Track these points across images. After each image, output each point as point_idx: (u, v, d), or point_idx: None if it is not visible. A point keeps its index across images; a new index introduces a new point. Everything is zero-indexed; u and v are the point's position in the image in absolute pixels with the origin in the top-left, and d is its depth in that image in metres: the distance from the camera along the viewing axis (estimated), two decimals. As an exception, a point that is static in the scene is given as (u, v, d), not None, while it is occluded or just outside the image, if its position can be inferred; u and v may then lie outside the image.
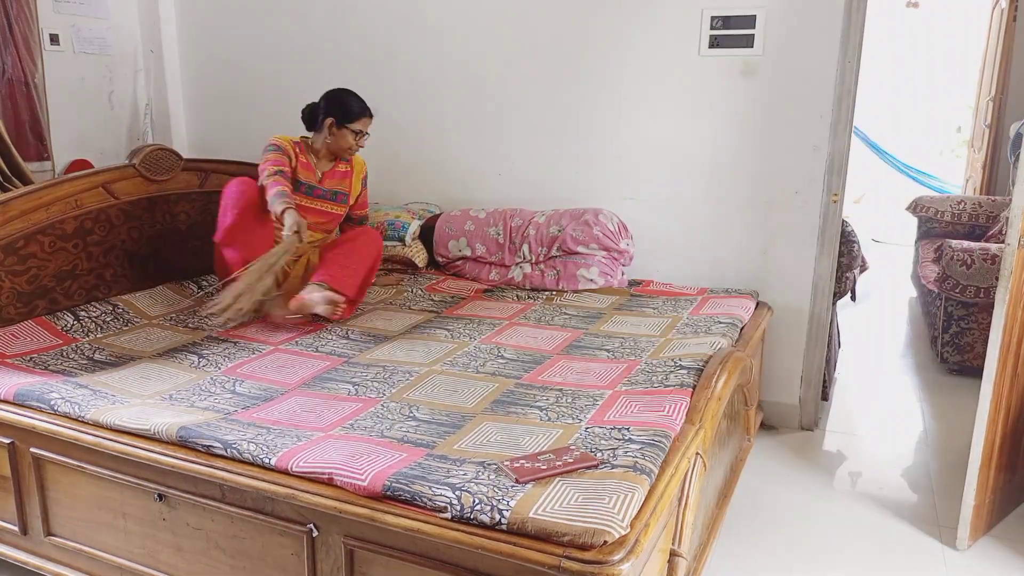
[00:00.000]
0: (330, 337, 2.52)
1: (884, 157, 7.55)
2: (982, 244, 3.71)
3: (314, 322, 2.61)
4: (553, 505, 1.43)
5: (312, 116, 2.79)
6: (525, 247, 3.21)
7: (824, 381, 3.18)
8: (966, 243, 3.69)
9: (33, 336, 2.40)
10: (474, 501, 1.44)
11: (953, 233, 4.70)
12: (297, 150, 2.76)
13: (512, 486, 1.49)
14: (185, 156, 3.17)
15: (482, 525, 1.42)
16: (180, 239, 3.07)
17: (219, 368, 2.24)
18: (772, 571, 2.25)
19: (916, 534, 2.43)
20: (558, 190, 3.35)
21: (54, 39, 3.52)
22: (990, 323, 2.20)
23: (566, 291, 3.09)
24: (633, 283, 3.18)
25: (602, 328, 2.63)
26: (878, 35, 7.21)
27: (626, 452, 1.63)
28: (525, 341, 2.48)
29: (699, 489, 1.78)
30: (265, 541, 1.69)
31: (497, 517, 1.41)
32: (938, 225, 4.84)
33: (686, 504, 1.72)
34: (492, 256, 3.26)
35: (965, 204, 4.77)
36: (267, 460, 1.64)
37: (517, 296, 3.06)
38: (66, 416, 1.90)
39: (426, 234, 3.40)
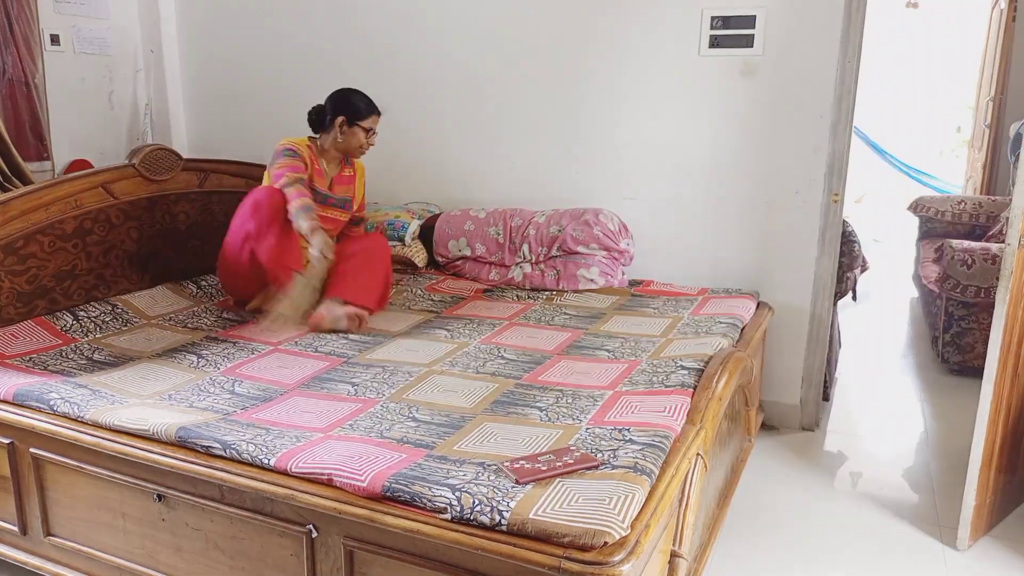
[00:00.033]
0: (330, 337, 2.52)
1: (884, 157, 7.55)
2: (983, 244, 3.71)
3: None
4: (553, 506, 1.42)
5: (320, 117, 2.76)
6: (525, 247, 3.21)
7: (825, 381, 3.18)
8: (967, 243, 3.69)
9: (33, 336, 2.40)
10: (474, 502, 1.44)
11: (954, 233, 4.70)
12: (312, 155, 2.74)
13: (512, 487, 1.49)
14: (185, 156, 3.17)
15: (482, 526, 1.41)
16: (180, 239, 3.06)
17: (218, 368, 2.23)
18: (773, 571, 2.25)
19: (916, 534, 2.42)
20: (558, 190, 3.34)
21: (54, 39, 3.52)
22: (991, 323, 2.19)
23: (566, 291, 3.09)
24: (633, 283, 3.18)
25: (602, 328, 2.63)
26: (878, 35, 7.21)
27: (627, 453, 1.63)
28: (525, 341, 2.48)
29: (700, 490, 1.78)
30: (264, 542, 1.68)
31: (497, 518, 1.40)
32: (939, 225, 4.84)
33: (687, 505, 1.72)
34: (492, 256, 3.26)
35: (965, 204, 4.77)
36: (266, 461, 1.63)
37: (517, 296, 3.06)
38: (65, 416, 1.90)
39: (426, 234, 3.40)
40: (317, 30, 3.65)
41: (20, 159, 3.23)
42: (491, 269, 3.27)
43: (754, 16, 2.90)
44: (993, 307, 2.18)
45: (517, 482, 1.51)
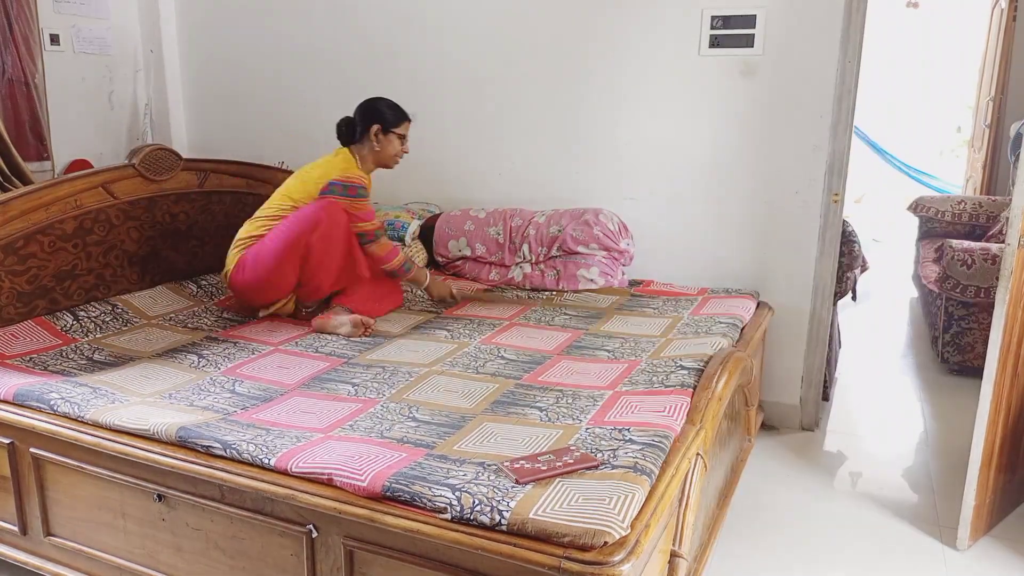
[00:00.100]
0: (330, 338, 2.52)
1: (884, 157, 7.55)
2: (983, 244, 3.71)
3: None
4: (553, 506, 1.42)
5: (350, 129, 2.73)
6: (525, 247, 3.21)
7: (825, 381, 3.18)
8: (967, 243, 3.69)
9: (33, 336, 2.40)
10: (474, 502, 1.44)
11: (953, 233, 4.70)
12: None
13: (512, 487, 1.49)
14: (185, 156, 3.17)
15: (482, 526, 1.41)
16: (180, 239, 3.06)
17: (219, 368, 2.23)
18: (773, 571, 2.25)
19: (916, 534, 2.42)
20: (558, 190, 3.34)
21: (54, 39, 3.52)
22: (990, 323, 2.19)
23: (566, 291, 3.09)
24: (633, 283, 3.18)
25: (602, 328, 2.63)
26: (878, 35, 7.21)
27: (626, 453, 1.63)
28: (525, 341, 2.48)
29: (700, 489, 1.78)
30: (265, 542, 1.69)
31: (497, 518, 1.40)
32: (939, 225, 4.84)
33: (687, 505, 1.72)
34: (492, 256, 3.26)
35: (965, 204, 4.77)
36: (266, 460, 1.64)
37: (517, 296, 3.06)
38: (66, 416, 1.90)
39: (426, 234, 3.40)
40: (317, 30, 3.65)
41: (20, 159, 3.23)
42: (491, 269, 3.27)
43: (754, 16, 2.90)
44: (993, 307, 2.18)
45: (517, 482, 1.51)
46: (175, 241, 3.05)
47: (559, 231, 3.15)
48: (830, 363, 3.26)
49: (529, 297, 3.04)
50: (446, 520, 1.44)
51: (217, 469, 1.66)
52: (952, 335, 3.70)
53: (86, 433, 1.84)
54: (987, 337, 2.21)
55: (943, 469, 2.84)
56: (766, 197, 3.03)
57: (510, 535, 1.39)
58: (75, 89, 3.65)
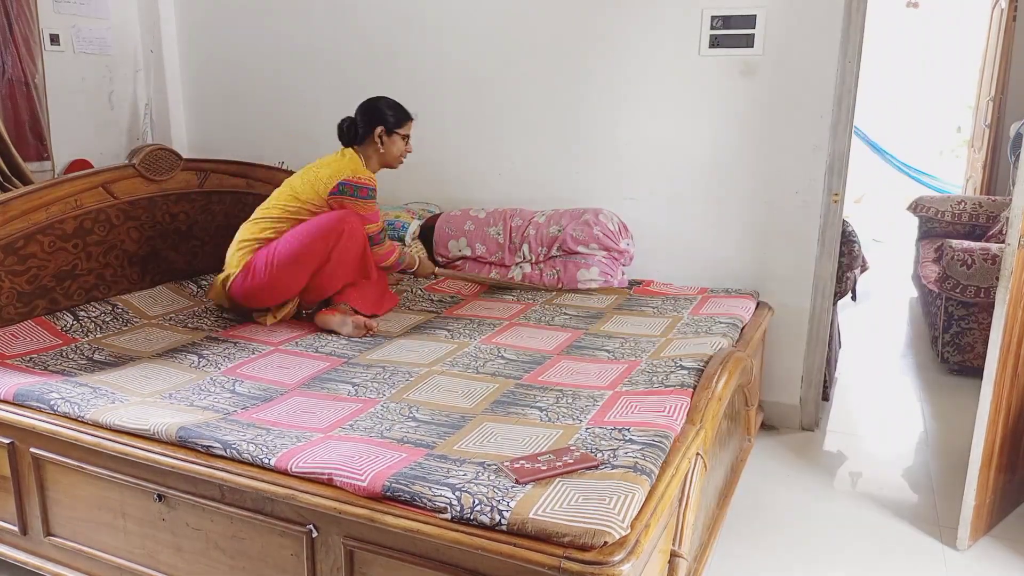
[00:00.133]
0: (330, 337, 2.52)
1: (884, 157, 7.55)
2: (982, 244, 3.71)
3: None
4: (553, 506, 1.42)
5: (352, 130, 2.72)
6: (525, 247, 3.21)
7: (824, 381, 3.18)
8: (966, 243, 3.69)
9: (33, 336, 2.40)
10: (474, 502, 1.44)
11: (953, 233, 4.70)
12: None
13: (512, 487, 1.49)
14: (185, 156, 3.17)
15: (482, 526, 1.41)
16: (180, 239, 3.06)
17: (219, 368, 2.23)
18: (772, 571, 2.25)
19: (916, 534, 2.42)
20: (558, 190, 3.34)
21: (54, 39, 3.52)
22: (990, 323, 2.19)
23: (566, 291, 3.09)
24: (633, 283, 3.18)
25: (602, 328, 2.63)
26: (878, 35, 7.21)
27: (626, 452, 1.63)
28: (525, 341, 2.48)
29: (700, 489, 1.78)
30: (265, 542, 1.69)
31: (497, 518, 1.40)
32: (938, 225, 4.84)
33: (687, 504, 1.72)
34: (492, 256, 3.26)
35: (965, 204, 4.77)
36: (267, 460, 1.64)
37: (517, 296, 3.06)
38: (66, 416, 1.90)
39: (426, 234, 3.40)
40: (317, 30, 3.65)
41: (20, 159, 3.23)
42: (491, 269, 3.27)
43: (754, 16, 2.90)
44: (993, 307, 2.18)
45: (517, 482, 1.51)
46: (175, 241, 3.05)
47: (559, 231, 3.15)
48: (830, 363, 3.26)
49: (529, 297, 3.04)
50: (446, 520, 1.44)
51: (217, 469, 1.66)
52: (952, 335, 3.70)
53: (86, 433, 1.84)
54: (987, 337, 2.21)
55: (943, 469, 2.84)
56: (766, 197, 3.03)
57: (510, 535, 1.39)
58: (75, 89, 3.65)
